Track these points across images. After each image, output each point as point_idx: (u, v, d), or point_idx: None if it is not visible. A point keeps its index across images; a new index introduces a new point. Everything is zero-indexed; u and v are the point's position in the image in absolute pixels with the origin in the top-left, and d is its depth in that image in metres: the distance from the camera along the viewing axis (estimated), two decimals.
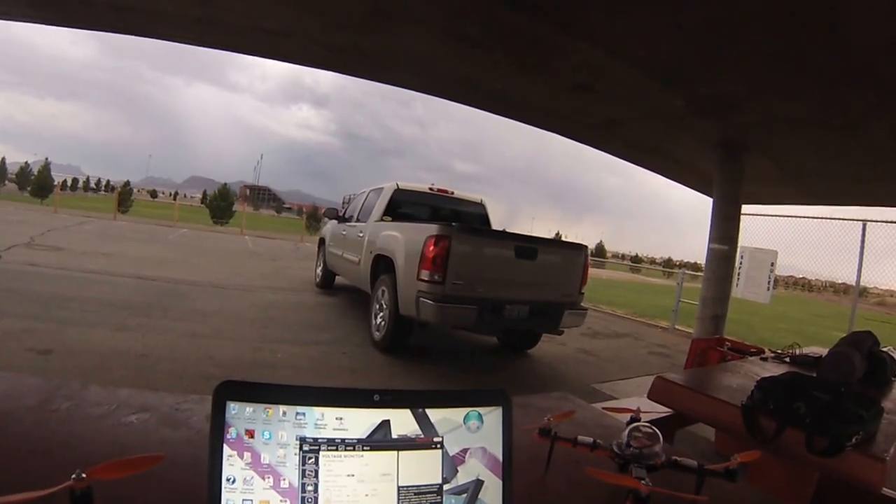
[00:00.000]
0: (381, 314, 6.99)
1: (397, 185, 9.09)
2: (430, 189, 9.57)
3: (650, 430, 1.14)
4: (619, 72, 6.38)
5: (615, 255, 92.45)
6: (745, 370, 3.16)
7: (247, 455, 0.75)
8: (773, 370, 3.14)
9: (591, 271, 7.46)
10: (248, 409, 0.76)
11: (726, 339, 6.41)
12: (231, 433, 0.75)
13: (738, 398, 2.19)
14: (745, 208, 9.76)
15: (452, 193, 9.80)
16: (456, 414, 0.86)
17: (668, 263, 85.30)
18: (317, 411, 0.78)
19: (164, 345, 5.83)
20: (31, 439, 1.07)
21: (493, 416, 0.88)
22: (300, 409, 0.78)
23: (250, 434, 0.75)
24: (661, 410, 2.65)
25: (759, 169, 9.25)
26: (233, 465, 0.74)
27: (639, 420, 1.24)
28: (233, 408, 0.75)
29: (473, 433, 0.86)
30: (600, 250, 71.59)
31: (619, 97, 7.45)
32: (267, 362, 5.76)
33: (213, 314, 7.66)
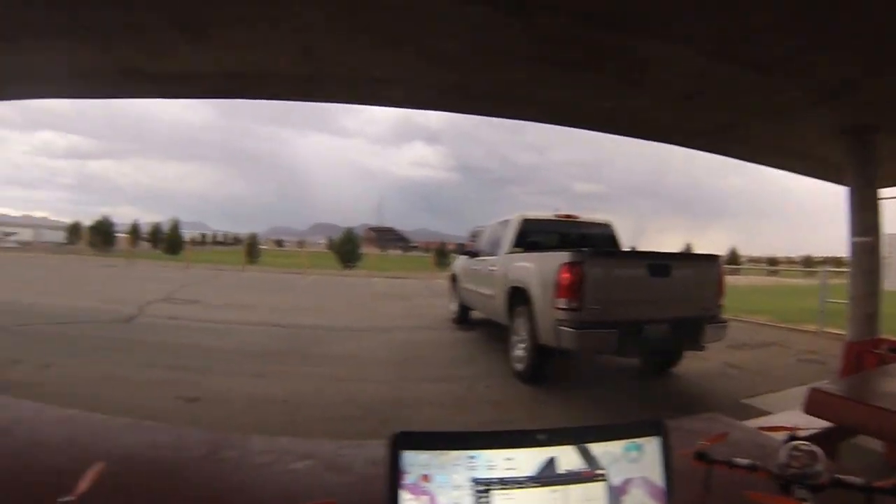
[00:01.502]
0: (521, 345, 7.00)
1: (524, 215, 9.15)
2: (557, 216, 9.59)
3: (810, 448, 1.07)
4: (726, 74, 6.19)
5: (749, 259, 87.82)
6: None
7: (424, 498, 0.79)
8: None
9: (727, 279, 7.21)
10: (423, 456, 0.81)
11: (884, 339, 5.97)
12: (408, 479, 0.79)
13: None
14: (887, 191, 9.07)
15: (579, 218, 9.78)
16: (616, 446, 0.88)
17: (808, 261, 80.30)
18: (487, 454, 0.83)
19: (304, 390, 6.04)
20: (202, 488, 1.15)
21: (651, 446, 0.90)
22: (471, 452, 0.82)
23: (426, 479, 0.80)
24: (819, 424, 2.46)
25: (893, 148, 8.59)
26: None
27: (796, 437, 1.16)
28: (407, 456, 0.80)
29: (634, 464, 0.88)
30: (733, 256, 68.37)
31: (731, 99, 7.20)
32: (408, 401, 5.87)
33: (350, 357, 7.89)
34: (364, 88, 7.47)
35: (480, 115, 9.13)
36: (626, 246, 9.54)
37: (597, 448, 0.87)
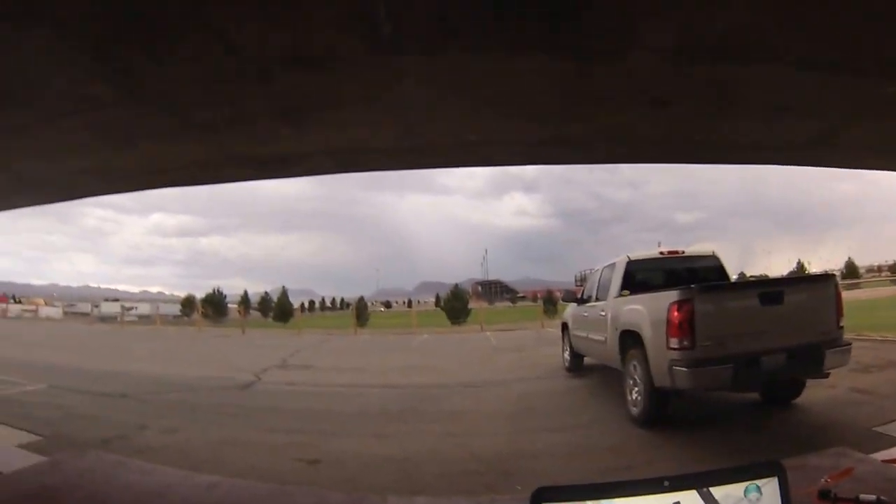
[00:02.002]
0: (636, 389, 6.91)
1: (628, 257, 9.13)
2: (661, 253, 9.55)
3: None
4: (812, 82, 5.99)
5: (869, 270, 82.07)
6: None
7: None
8: None
9: (846, 294, 6.92)
10: None
11: None
12: None
13: None
14: None
15: (683, 252, 9.70)
16: (736, 489, 0.93)
17: None
18: (617, 502, 0.91)
19: (423, 448, 6.12)
20: None
21: (770, 487, 0.94)
22: (603, 502, 0.91)
23: None
24: None
25: None
26: None
27: None
28: None
29: None
30: (851, 269, 63.90)
31: (821, 107, 6.94)
32: (527, 452, 5.86)
33: (466, 412, 7.93)
34: (461, 153, 7.66)
35: (574, 163, 9.21)
36: (734, 274, 9.28)
37: (718, 491, 0.93)
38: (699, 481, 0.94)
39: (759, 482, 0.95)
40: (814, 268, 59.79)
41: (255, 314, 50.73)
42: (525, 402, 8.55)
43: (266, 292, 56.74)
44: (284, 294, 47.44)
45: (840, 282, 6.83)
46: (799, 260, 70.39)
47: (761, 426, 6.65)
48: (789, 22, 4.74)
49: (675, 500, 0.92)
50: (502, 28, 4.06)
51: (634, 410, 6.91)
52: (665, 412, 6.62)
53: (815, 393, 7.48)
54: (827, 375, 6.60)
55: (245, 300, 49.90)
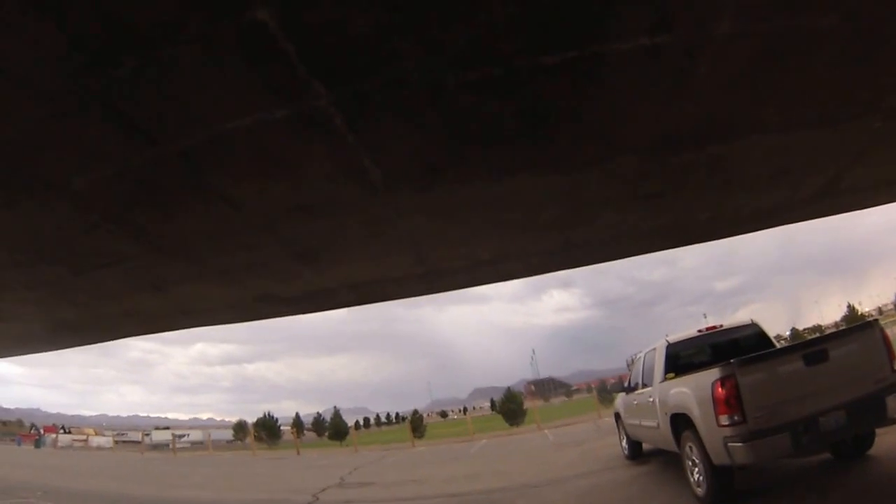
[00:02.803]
0: (696, 469, 6.80)
1: (667, 340, 9.17)
2: (699, 331, 9.51)
3: None
4: (801, 140, 6.05)
5: None
6: None
7: None
8: None
9: None
10: None
11: None
12: None
13: None
14: None
15: (722, 326, 9.69)
16: None
17: None
18: None
19: None
20: None
21: None
22: None
23: None
24: None
25: None
26: None
27: None
28: None
29: None
30: None
31: (819, 160, 6.98)
32: None
33: None
34: (480, 270, 7.84)
35: (593, 263, 9.32)
36: (787, 330, 9.24)
37: None
38: None
39: None
40: (865, 307, 58.37)
41: (310, 435, 50.67)
42: (590, 497, 8.44)
43: (319, 413, 57.01)
44: (337, 413, 48.00)
45: (892, 317, 6.71)
46: (848, 303, 68.55)
47: (836, 485, 6.49)
48: (761, 94, 4.88)
49: None
50: (487, 157, 4.30)
51: (699, 491, 6.77)
52: (731, 489, 6.46)
53: (887, 441, 7.29)
54: (894, 422, 6.39)
55: (298, 422, 49.91)
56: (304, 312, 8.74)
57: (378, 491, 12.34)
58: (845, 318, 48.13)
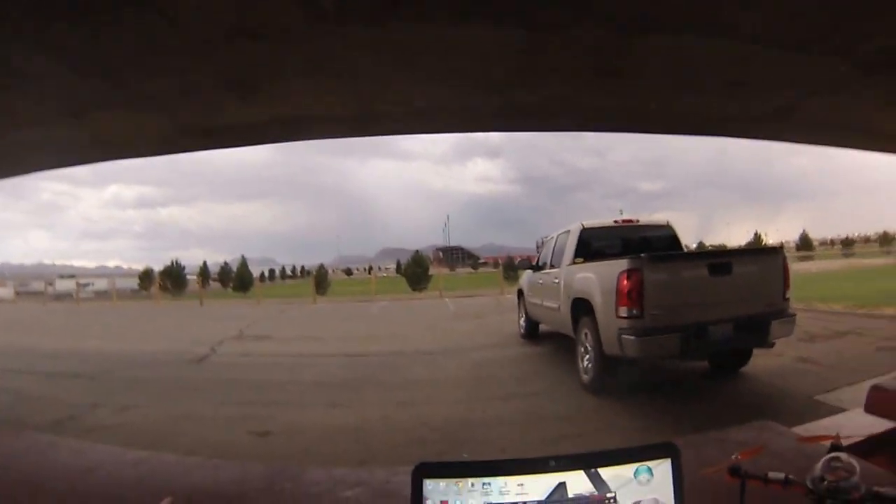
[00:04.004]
0: (587, 356, 7.00)
1: (583, 224, 9.14)
2: (616, 222, 9.62)
3: (848, 460, 1.05)
4: (769, 59, 6.09)
5: (822, 243, 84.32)
6: None
7: None
8: None
9: (799, 266, 7.06)
10: (442, 483, 0.91)
11: None
12: None
13: None
14: None
15: (638, 221, 9.81)
16: (626, 470, 0.93)
17: (886, 238, 76.27)
18: (500, 480, 0.91)
19: (377, 417, 6.12)
20: None
21: (662, 469, 0.94)
22: (486, 479, 0.90)
23: None
24: (882, 424, 2.22)
25: None
26: None
27: (840, 447, 1.14)
28: (429, 484, 0.90)
29: (644, 486, 0.93)
30: (805, 241, 65.57)
31: (778, 83, 7.05)
32: (479, 421, 5.90)
33: (423, 381, 7.93)
34: (416, 120, 7.62)
35: (532, 131, 9.19)
36: (693, 243, 9.41)
37: (606, 472, 0.93)
38: (587, 462, 0.93)
39: (651, 463, 0.94)
40: (770, 239, 61.70)
41: (214, 285, 50.15)
42: (480, 370, 8.60)
43: (226, 262, 56.24)
44: (244, 264, 47.15)
45: (795, 254, 6.95)
46: (756, 231, 72.38)
47: (705, 394, 6.83)
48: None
49: (561, 481, 0.92)
50: None
51: (585, 378, 7.01)
52: (615, 380, 6.69)
53: (762, 361, 7.68)
54: (772, 345, 6.74)
55: (204, 271, 49.16)
56: (230, 146, 8.38)
57: (275, 345, 12.39)
58: (749, 244, 50.50)
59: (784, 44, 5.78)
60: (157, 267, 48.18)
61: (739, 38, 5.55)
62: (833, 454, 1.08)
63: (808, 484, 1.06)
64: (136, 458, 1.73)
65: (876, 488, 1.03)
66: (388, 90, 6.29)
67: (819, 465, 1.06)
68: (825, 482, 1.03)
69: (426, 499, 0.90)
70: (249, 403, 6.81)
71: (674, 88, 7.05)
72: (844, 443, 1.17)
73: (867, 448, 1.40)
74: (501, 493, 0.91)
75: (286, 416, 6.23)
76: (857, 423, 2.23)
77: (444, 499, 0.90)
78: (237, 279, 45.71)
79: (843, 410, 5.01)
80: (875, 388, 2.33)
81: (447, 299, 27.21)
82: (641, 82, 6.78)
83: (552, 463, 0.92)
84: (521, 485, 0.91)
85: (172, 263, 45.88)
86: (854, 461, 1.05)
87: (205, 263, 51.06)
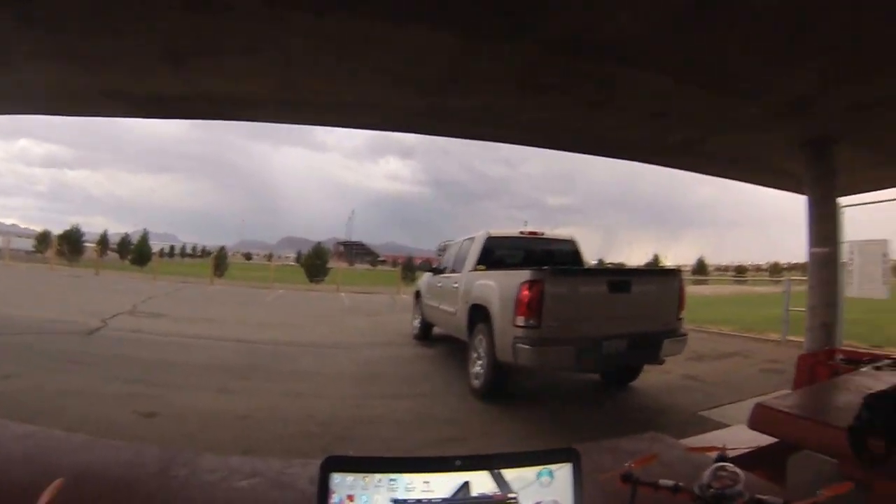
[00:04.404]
0: (479, 362, 6.99)
1: (488, 233, 9.16)
2: (522, 233, 9.67)
3: (733, 469, 1.13)
4: (690, 94, 6.36)
5: (717, 269, 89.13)
6: (856, 385, 2.99)
7: None
8: (889, 380, 2.94)
9: (694, 289, 7.32)
10: (349, 478, 0.88)
11: (837, 349, 6.04)
12: (334, 498, 0.86)
13: (846, 419, 2.02)
14: (845, 200, 9.23)
15: (543, 234, 9.89)
16: (529, 472, 0.93)
17: (775, 268, 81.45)
18: (406, 477, 0.89)
19: (266, 406, 5.97)
20: None
21: (563, 472, 0.95)
22: (392, 475, 0.88)
23: (350, 499, 0.87)
24: (764, 439, 2.50)
25: (852, 158, 8.76)
26: None
27: (725, 458, 1.22)
28: (335, 478, 0.87)
29: (546, 488, 0.93)
30: (701, 266, 69.24)
31: (695, 118, 7.37)
32: (367, 418, 5.83)
33: (313, 374, 7.81)
34: (340, 113, 7.56)
35: (454, 136, 9.28)
36: (594, 259, 9.61)
37: (510, 473, 0.93)
38: (492, 463, 0.93)
39: (552, 467, 0.95)
40: (669, 262, 64.84)
41: (112, 256, 48.43)
42: (371, 367, 8.53)
43: (127, 234, 54.57)
44: (145, 237, 45.83)
45: (690, 277, 7.19)
46: (656, 253, 76.33)
47: (598, 405, 6.94)
48: (670, 37, 4.96)
49: (465, 479, 0.91)
50: None
51: (476, 383, 7.00)
52: (505, 387, 6.75)
53: (651, 377, 7.94)
54: (662, 362, 6.94)
55: (104, 240, 47.29)
56: (153, 117, 8.12)
57: (167, 324, 11.97)
58: (648, 265, 52.51)
59: (704, 83, 6.05)
60: (57, 231, 46.02)
61: (665, 72, 5.75)
62: (719, 464, 1.17)
63: (696, 490, 1.15)
64: (21, 433, 1.61)
65: (758, 496, 1.12)
66: (318, 80, 6.23)
67: (706, 473, 1.15)
68: (712, 489, 1.12)
69: (332, 492, 0.88)
70: (137, 382, 6.53)
71: (598, 110, 7.23)
72: (729, 455, 1.25)
73: (750, 461, 1.45)
74: (407, 490, 0.90)
75: (174, 398, 5.99)
76: (741, 438, 2.48)
77: (350, 493, 0.88)
78: (136, 252, 44.30)
79: (726, 426, 5.22)
80: (759, 406, 2.50)
81: (344, 294, 27.44)
82: (568, 102, 6.92)
83: (457, 462, 0.92)
84: (427, 482, 0.90)
85: (72, 228, 43.78)
86: (738, 470, 1.14)
87: (105, 232, 49.68)
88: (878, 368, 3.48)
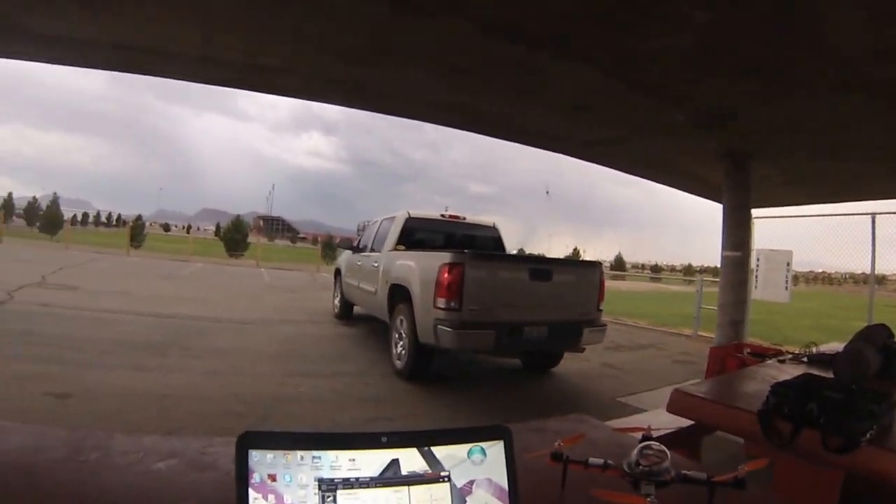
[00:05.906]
0: (401, 343, 7.04)
1: (409, 213, 9.15)
2: (442, 216, 9.67)
3: (660, 448, 1.20)
4: (615, 91, 6.50)
5: (635, 266, 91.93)
6: (763, 375, 3.17)
7: (271, 497, 0.82)
8: (792, 371, 3.14)
9: (612, 284, 7.53)
10: (269, 455, 0.83)
11: (745, 343, 6.46)
12: (255, 478, 0.82)
13: (755, 404, 2.20)
14: (757, 212, 9.87)
15: (464, 219, 9.89)
16: (460, 450, 0.93)
17: (689, 270, 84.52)
18: (331, 454, 0.86)
19: (185, 384, 5.83)
20: (61, 491, 1.11)
21: (495, 449, 0.95)
22: (316, 453, 0.85)
23: (272, 478, 0.82)
24: (681, 422, 2.72)
25: (765, 174, 9.31)
26: None
27: (650, 438, 1.29)
28: (254, 455, 0.83)
29: (478, 466, 0.93)
30: (619, 262, 71.07)
31: (619, 115, 7.55)
32: (290, 396, 5.77)
33: (233, 351, 7.68)
34: (260, 76, 7.35)
35: (376, 111, 9.16)
36: (514, 249, 9.74)
37: (440, 451, 0.91)
38: (420, 440, 0.92)
39: (484, 444, 0.95)
40: (588, 256, 66.39)
41: (18, 222, 45.76)
42: (293, 345, 8.46)
43: (35, 198, 51.68)
44: (55, 202, 43.43)
45: (609, 272, 7.43)
46: (576, 247, 78.14)
47: (519, 389, 7.07)
48: (603, 33, 5.06)
49: (394, 457, 0.89)
50: None
51: (398, 364, 7.04)
52: (428, 368, 6.81)
53: (572, 365, 8.19)
54: (583, 350, 7.19)
55: (8, 204, 44.63)
56: (57, 62, 7.58)
57: (80, 297, 11.38)
58: (567, 257, 53.74)
59: (629, 81, 6.21)
60: None
61: (591, 66, 5.87)
62: (646, 443, 1.23)
63: (625, 468, 1.20)
64: None
65: (684, 472, 1.19)
66: (236, 37, 6.01)
67: (634, 451, 1.20)
68: (640, 466, 1.17)
69: (252, 471, 0.83)
70: (48, 360, 6.16)
71: (520, 97, 7.32)
72: (654, 435, 1.32)
73: (669, 441, 1.54)
74: (332, 468, 0.86)
75: (88, 378, 5.70)
76: (660, 420, 2.67)
77: (271, 472, 0.83)
78: (46, 219, 42.07)
79: (643, 411, 5.50)
80: (677, 391, 2.61)
81: (263, 269, 27.14)
82: (493, 86, 6.98)
83: (384, 439, 0.89)
84: (353, 460, 0.87)
85: None
86: (665, 449, 1.20)
87: (10, 195, 46.95)
88: (781, 361, 3.75)
